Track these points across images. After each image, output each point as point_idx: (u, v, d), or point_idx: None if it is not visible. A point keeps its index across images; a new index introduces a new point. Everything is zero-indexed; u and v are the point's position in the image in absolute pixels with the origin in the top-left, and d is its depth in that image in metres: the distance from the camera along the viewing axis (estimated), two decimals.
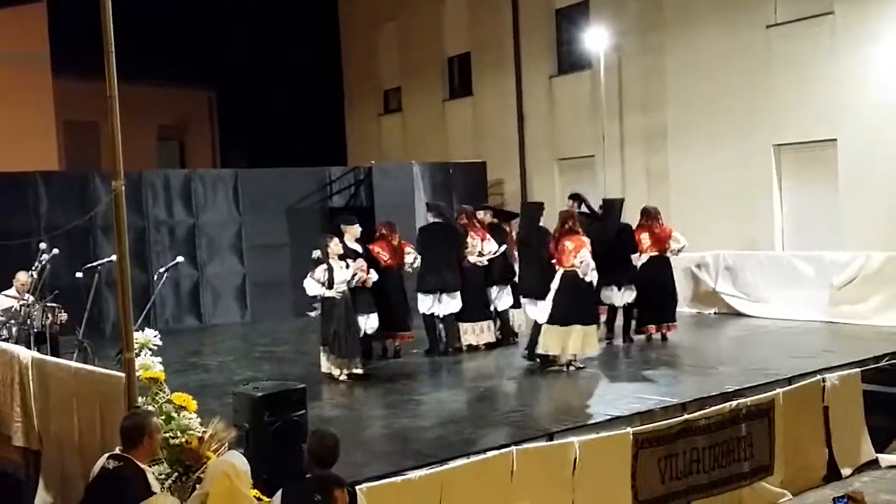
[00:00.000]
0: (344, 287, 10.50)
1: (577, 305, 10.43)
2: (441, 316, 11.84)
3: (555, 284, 10.49)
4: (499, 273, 12.16)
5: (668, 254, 12.44)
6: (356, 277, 10.71)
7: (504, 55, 20.11)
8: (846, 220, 14.13)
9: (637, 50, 17.31)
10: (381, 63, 24.10)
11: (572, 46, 18.64)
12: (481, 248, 11.98)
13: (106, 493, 5.24)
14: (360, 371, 10.56)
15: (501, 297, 12.28)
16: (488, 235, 12.09)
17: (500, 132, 20.27)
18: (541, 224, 11.23)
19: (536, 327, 10.79)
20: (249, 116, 26.30)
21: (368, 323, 11.25)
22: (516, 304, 12.44)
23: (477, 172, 19.04)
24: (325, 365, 10.61)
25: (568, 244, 10.44)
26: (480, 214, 12.48)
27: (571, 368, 10.55)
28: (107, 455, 5.47)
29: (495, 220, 12.58)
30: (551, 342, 10.47)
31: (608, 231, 11.85)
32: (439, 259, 11.67)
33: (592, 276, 10.46)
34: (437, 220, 12.04)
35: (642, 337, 12.27)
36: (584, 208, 13.20)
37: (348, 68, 25.44)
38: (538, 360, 10.77)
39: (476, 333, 12.01)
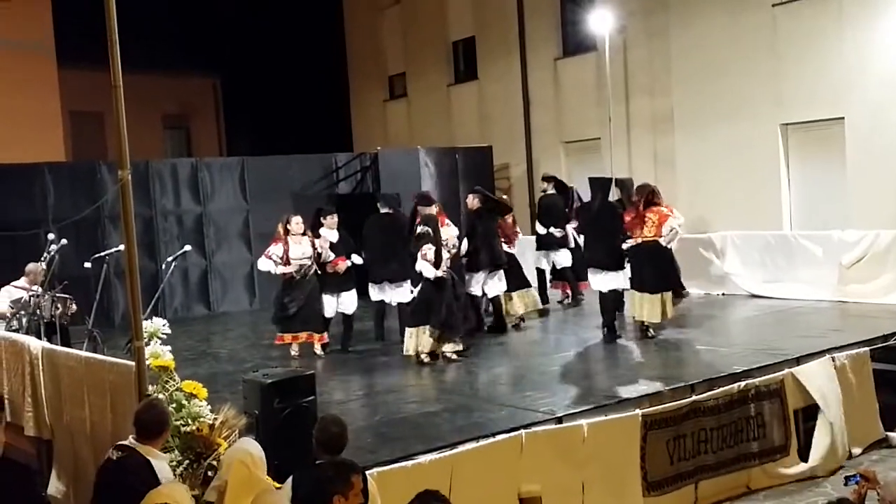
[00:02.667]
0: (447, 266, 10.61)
1: (664, 272, 11.07)
2: (393, 304, 11.86)
3: (634, 255, 11.07)
4: (488, 259, 12.03)
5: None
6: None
7: (509, 38, 20.06)
8: (854, 198, 14.08)
9: (642, 31, 17.25)
10: (385, 49, 24.05)
11: (577, 28, 18.57)
12: None
13: (111, 483, 5.24)
14: (461, 347, 10.62)
15: (491, 283, 12.14)
16: (448, 221, 11.82)
17: (505, 116, 20.24)
18: (609, 198, 11.59)
19: (617, 300, 11.37)
20: (254, 103, 26.31)
21: (341, 304, 11.50)
22: (518, 286, 12.58)
23: (483, 157, 19.01)
24: (423, 345, 10.45)
25: (652, 216, 10.99)
26: (469, 199, 12.45)
27: (650, 333, 11.11)
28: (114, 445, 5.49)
29: (482, 207, 12.27)
30: (645, 309, 11.02)
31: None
32: (385, 249, 11.63)
33: (673, 245, 11.22)
34: (385, 210, 11.98)
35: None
36: (551, 189, 14.23)
37: (353, 54, 25.39)
38: (614, 332, 11.21)
39: None
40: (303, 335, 11.16)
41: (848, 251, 12.98)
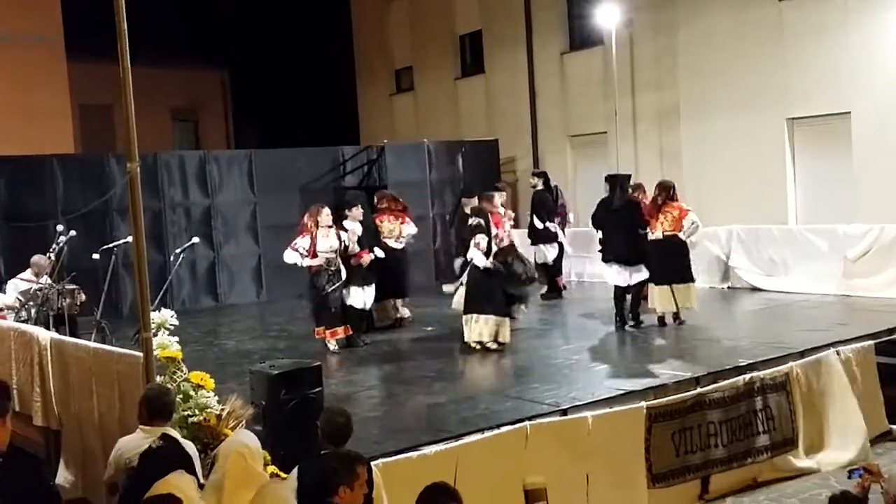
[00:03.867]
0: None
1: (682, 264, 11.43)
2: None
3: (655, 249, 11.41)
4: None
5: None
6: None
7: (515, 32, 20.04)
8: (860, 192, 14.08)
9: (649, 26, 17.23)
10: (392, 42, 24.05)
11: (584, 22, 18.52)
12: (400, 231, 12.52)
13: (160, 470, 5.20)
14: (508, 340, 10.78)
15: None
16: (408, 219, 12.69)
17: (511, 109, 20.23)
18: (628, 193, 11.91)
19: (637, 293, 11.67)
20: (262, 96, 26.37)
21: (366, 297, 11.52)
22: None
23: (489, 150, 19.04)
24: (483, 332, 10.57)
25: (673, 212, 11.44)
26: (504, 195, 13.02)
27: (676, 323, 11.57)
28: (157, 436, 5.43)
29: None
30: (668, 299, 11.40)
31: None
32: None
33: (694, 239, 11.80)
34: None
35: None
36: (541, 185, 14.63)
37: (360, 48, 25.39)
38: (624, 321, 11.58)
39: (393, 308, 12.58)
40: (340, 330, 11.24)
41: (853, 245, 12.99)
